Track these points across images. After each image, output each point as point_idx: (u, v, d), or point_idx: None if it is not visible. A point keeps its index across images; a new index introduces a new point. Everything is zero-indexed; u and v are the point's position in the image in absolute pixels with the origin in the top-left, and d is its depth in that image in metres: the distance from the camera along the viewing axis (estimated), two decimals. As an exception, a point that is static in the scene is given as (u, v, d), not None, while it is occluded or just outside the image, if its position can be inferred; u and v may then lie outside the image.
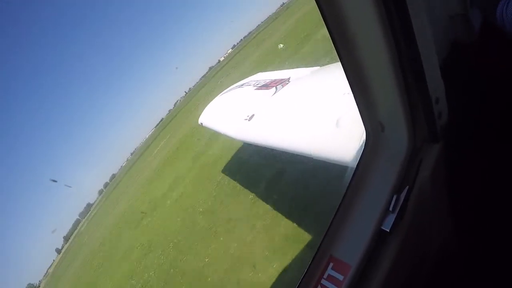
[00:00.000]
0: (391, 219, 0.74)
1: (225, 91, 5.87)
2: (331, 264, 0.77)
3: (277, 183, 5.10)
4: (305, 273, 0.78)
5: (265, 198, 4.95)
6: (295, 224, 4.01)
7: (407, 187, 0.76)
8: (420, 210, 0.80)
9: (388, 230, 0.73)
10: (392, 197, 0.76)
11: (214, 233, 5.57)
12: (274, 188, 5.05)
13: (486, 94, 0.85)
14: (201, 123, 5.31)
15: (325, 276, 0.76)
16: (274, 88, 4.18)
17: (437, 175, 0.81)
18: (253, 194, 5.32)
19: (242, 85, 5.46)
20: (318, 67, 4.43)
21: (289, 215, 4.22)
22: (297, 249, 3.65)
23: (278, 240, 4.06)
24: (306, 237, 3.66)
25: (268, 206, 4.77)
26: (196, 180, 8.68)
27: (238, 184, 6.14)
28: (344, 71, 0.72)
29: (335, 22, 0.63)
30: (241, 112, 4.04)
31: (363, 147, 0.85)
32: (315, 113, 2.89)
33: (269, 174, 5.33)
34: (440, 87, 0.74)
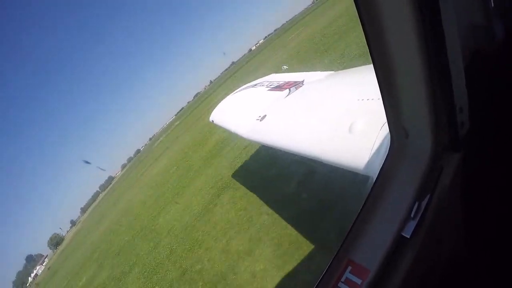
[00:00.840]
0: (412, 225, 0.74)
1: (237, 90, 5.88)
2: (349, 268, 0.77)
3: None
4: (323, 275, 0.78)
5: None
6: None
7: (429, 194, 0.76)
8: (438, 217, 0.80)
9: (408, 237, 0.74)
10: (414, 203, 0.76)
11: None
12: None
13: (507, 105, 0.84)
14: (212, 121, 5.34)
15: (342, 279, 0.76)
16: (287, 90, 4.17)
17: (455, 183, 0.81)
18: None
19: (255, 85, 5.46)
20: (333, 72, 4.41)
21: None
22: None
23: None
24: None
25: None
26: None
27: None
28: (376, 74, 0.73)
29: (372, 25, 0.64)
30: (253, 112, 4.03)
31: (387, 152, 0.85)
32: (328, 117, 2.87)
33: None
34: (464, 96, 0.74)
